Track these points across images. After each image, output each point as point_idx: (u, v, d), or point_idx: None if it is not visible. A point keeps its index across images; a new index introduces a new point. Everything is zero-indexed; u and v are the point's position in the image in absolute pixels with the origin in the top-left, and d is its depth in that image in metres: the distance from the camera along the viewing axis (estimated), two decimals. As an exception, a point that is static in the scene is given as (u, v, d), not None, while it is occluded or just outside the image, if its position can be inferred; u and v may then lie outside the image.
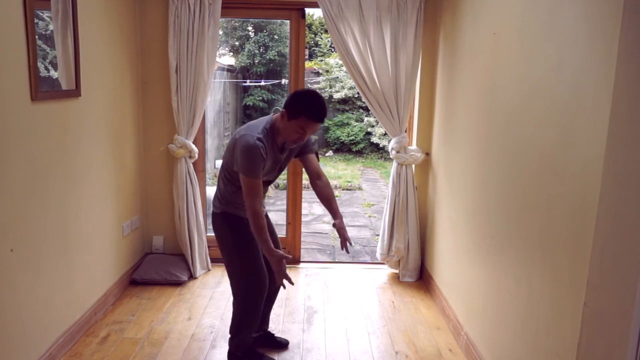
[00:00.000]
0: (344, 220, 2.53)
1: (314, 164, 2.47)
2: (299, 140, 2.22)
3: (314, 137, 2.50)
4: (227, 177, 2.34)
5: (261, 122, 2.28)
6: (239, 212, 2.35)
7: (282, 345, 2.74)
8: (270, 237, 2.22)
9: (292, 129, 2.18)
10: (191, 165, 3.58)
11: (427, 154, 3.64)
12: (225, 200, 2.37)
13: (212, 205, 2.46)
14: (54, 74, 2.46)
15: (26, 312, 2.25)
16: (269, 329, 2.81)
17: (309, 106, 2.15)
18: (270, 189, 5.97)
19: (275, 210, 6.02)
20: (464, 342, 2.69)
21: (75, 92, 2.61)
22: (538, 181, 1.91)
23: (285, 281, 2.17)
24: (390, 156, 3.63)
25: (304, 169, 2.57)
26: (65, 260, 2.59)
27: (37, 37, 2.24)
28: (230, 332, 2.50)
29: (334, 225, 2.44)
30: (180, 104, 3.47)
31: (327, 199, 2.46)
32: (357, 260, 4.49)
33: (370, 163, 10.49)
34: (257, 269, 2.37)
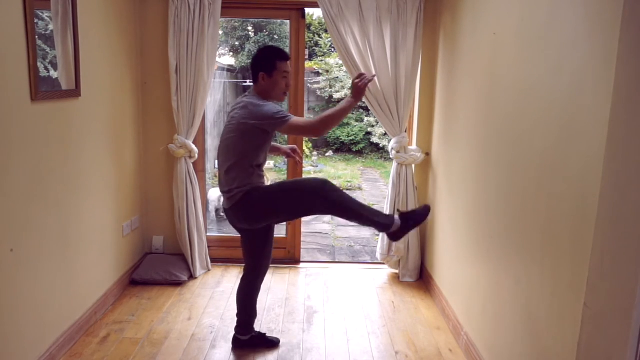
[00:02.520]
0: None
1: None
2: (289, 85, 2.40)
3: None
4: (238, 161, 2.33)
5: (249, 97, 2.37)
6: (258, 182, 2.38)
7: (274, 344, 2.73)
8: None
9: (278, 78, 2.36)
10: (191, 165, 3.58)
11: (427, 154, 3.64)
12: (242, 183, 2.33)
13: (226, 202, 2.42)
14: (54, 74, 2.46)
15: (26, 312, 2.25)
16: (262, 331, 2.81)
17: (273, 53, 2.37)
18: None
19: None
20: (464, 342, 2.69)
21: (75, 92, 2.61)
22: (538, 181, 1.91)
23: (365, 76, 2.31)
24: (390, 156, 3.63)
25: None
26: (65, 260, 2.59)
27: (37, 37, 2.24)
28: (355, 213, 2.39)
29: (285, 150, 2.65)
30: (180, 104, 3.47)
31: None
32: (357, 260, 4.49)
33: (370, 163, 10.49)
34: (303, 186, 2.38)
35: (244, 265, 2.69)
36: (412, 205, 3.58)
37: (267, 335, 2.78)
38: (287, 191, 2.39)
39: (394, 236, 2.46)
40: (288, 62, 2.38)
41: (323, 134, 2.30)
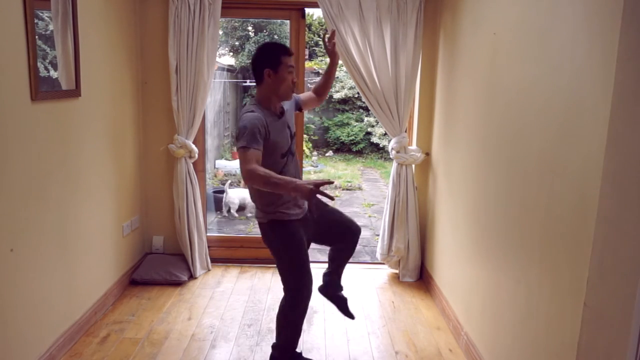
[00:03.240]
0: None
1: (307, 96, 2.64)
2: (294, 80, 2.29)
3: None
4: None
5: (247, 107, 2.29)
6: (283, 212, 2.29)
7: (349, 315, 2.66)
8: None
9: (284, 74, 2.24)
10: (191, 165, 3.58)
11: (427, 154, 3.64)
12: (264, 203, 2.29)
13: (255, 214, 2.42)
14: (53, 74, 2.46)
15: (26, 312, 2.25)
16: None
17: (277, 48, 2.28)
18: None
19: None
20: (464, 342, 2.69)
21: (75, 92, 2.61)
22: (538, 181, 1.91)
23: (325, 198, 2.04)
24: (390, 156, 3.63)
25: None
26: (65, 260, 2.59)
27: (37, 37, 2.24)
28: (277, 338, 2.44)
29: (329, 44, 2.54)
30: (180, 104, 3.47)
31: (322, 79, 2.69)
32: (357, 260, 4.49)
33: (370, 163, 10.49)
34: (307, 268, 2.34)
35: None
36: (412, 205, 3.58)
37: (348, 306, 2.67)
38: (283, 254, 2.35)
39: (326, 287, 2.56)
40: (291, 55, 2.29)
41: (251, 183, 2.16)
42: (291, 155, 2.35)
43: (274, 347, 2.45)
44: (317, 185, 1.97)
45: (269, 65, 2.22)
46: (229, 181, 6.77)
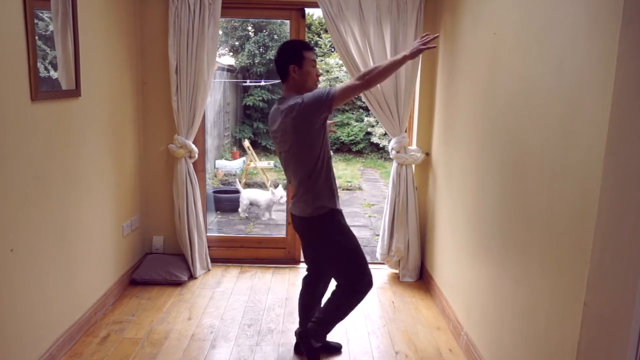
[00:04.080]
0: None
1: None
2: (318, 73, 2.37)
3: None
4: (298, 167, 2.31)
5: (285, 100, 2.32)
6: (328, 203, 2.33)
7: (336, 349, 2.70)
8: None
9: (309, 68, 2.33)
10: (191, 165, 3.58)
11: (427, 154, 3.64)
12: (311, 197, 2.32)
13: (299, 211, 2.40)
14: (53, 74, 2.46)
15: (26, 312, 2.25)
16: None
17: (298, 44, 2.39)
18: (278, 189, 5.95)
19: (276, 210, 6.02)
20: (464, 342, 2.69)
21: (75, 92, 2.61)
22: (538, 181, 1.91)
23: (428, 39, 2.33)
24: (390, 156, 3.63)
25: None
26: (65, 261, 2.59)
27: (37, 37, 2.24)
28: (321, 323, 2.47)
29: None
30: (180, 104, 3.47)
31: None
32: (357, 260, 4.48)
33: (370, 163, 10.49)
34: (364, 261, 2.45)
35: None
36: (412, 205, 3.59)
37: (329, 341, 2.71)
38: (339, 249, 2.40)
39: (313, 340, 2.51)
40: (313, 51, 2.38)
41: (372, 87, 2.35)
42: (328, 167, 2.40)
43: (318, 323, 2.47)
44: (422, 43, 2.30)
45: (293, 62, 2.31)
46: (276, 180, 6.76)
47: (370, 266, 2.48)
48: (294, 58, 2.31)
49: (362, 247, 2.44)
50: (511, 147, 2.18)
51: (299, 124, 2.22)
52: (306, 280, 2.64)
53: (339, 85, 2.27)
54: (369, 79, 2.21)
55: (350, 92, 2.24)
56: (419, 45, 2.30)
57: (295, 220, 2.46)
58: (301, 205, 2.36)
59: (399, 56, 2.28)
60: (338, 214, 2.39)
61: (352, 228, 2.51)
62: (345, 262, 2.41)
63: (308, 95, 2.22)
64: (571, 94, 1.68)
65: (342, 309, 2.45)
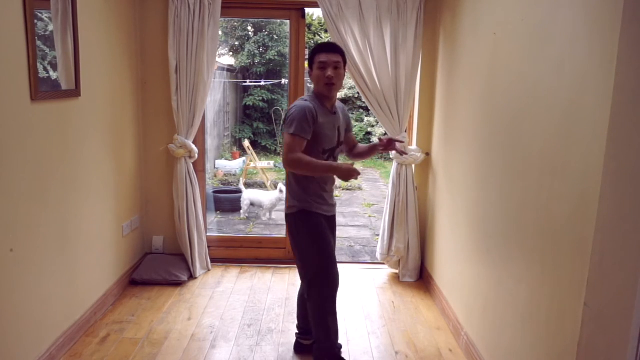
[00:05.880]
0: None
1: (351, 137, 2.67)
2: (328, 79, 2.29)
3: (349, 116, 2.65)
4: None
5: (302, 97, 2.43)
6: (313, 204, 2.36)
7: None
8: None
9: (317, 70, 2.32)
10: (191, 165, 3.58)
11: (427, 154, 3.64)
12: (298, 192, 2.36)
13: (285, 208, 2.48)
14: (53, 74, 2.46)
15: (26, 312, 2.25)
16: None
17: (314, 48, 2.37)
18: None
19: (276, 210, 6.02)
20: (464, 342, 2.69)
21: (75, 92, 2.61)
22: (538, 181, 1.91)
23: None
24: (390, 156, 3.63)
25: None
26: (65, 260, 2.59)
27: (36, 37, 2.24)
28: (317, 341, 2.43)
29: (380, 142, 2.58)
30: (180, 104, 3.47)
31: (360, 151, 2.67)
32: (357, 260, 4.49)
33: (370, 163, 10.48)
34: (335, 260, 2.42)
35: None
36: (412, 205, 3.58)
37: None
38: (309, 250, 2.40)
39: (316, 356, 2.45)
40: (325, 53, 2.31)
41: (290, 169, 2.30)
42: (332, 158, 2.43)
43: (318, 347, 2.42)
44: (355, 170, 2.20)
45: (309, 65, 2.38)
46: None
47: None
48: (310, 61, 2.38)
49: (334, 255, 2.42)
50: (511, 146, 2.18)
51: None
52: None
53: (292, 142, 2.21)
54: (297, 167, 2.22)
55: (284, 153, 2.25)
56: (352, 168, 2.20)
57: None
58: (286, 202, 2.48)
59: (329, 167, 2.25)
60: (314, 216, 2.37)
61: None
62: (308, 264, 2.40)
63: (290, 114, 2.27)
64: (571, 94, 1.68)
65: (316, 315, 2.41)
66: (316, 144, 2.31)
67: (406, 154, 2.56)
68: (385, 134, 3.59)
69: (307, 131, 2.24)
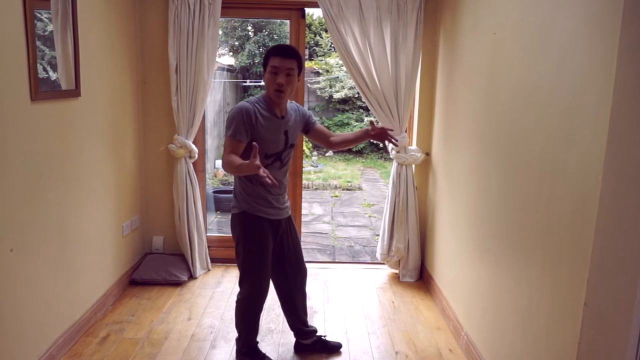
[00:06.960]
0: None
1: (322, 130, 2.57)
2: (279, 85, 2.20)
3: (308, 113, 2.57)
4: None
5: (248, 99, 2.35)
6: (256, 207, 2.32)
7: (336, 349, 2.71)
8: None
9: (268, 74, 2.24)
10: (191, 165, 3.58)
11: (427, 154, 3.64)
12: (242, 195, 2.34)
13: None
14: (52, 75, 2.46)
15: (26, 312, 2.25)
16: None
17: (269, 50, 2.28)
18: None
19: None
20: (464, 342, 2.69)
21: (75, 92, 2.61)
22: (538, 181, 1.91)
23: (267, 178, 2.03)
24: (390, 156, 3.63)
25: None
26: (65, 260, 2.59)
27: (36, 37, 2.24)
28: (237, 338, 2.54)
29: (372, 130, 2.44)
30: (180, 104, 3.47)
31: (345, 138, 2.60)
32: (357, 260, 4.49)
33: (370, 163, 10.49)
34: (265, 266, 2.40)
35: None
36: (412, 205, 3.59)
37: (329, 341, 2.73)
38: (241, 250, 2.39)
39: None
40: (279, 57, 2.20)
41: (225, 171, 2.28)
42: (279, 162, 2.35)
43: (237, 340, 2.54)
44: (259, 167, 1.99)
45: (263, 66, 2.31)
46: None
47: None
48: (264, 63, 2.30)
49: (267, 262, 2.42)
50: (511, 146, 2.18)
51: None
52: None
53: (230, 146, 2.18)
54: (227, 168, 2.17)
55: (223, 155, 2.22)
56: (253, 163, 2.01)
57: None
58: None
59: (243, 163, 2.08)
60: (254, 219, 2.33)
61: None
62: (240, 264, 2.43)
63: (229, 116, 2.24)
64: (571, 94, 1.68)
65: (237, 313, 2.49)
66: (243, 154, 2.22)
67: (397, 139, 2.47)
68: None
69: (243, 133, 2.17)
